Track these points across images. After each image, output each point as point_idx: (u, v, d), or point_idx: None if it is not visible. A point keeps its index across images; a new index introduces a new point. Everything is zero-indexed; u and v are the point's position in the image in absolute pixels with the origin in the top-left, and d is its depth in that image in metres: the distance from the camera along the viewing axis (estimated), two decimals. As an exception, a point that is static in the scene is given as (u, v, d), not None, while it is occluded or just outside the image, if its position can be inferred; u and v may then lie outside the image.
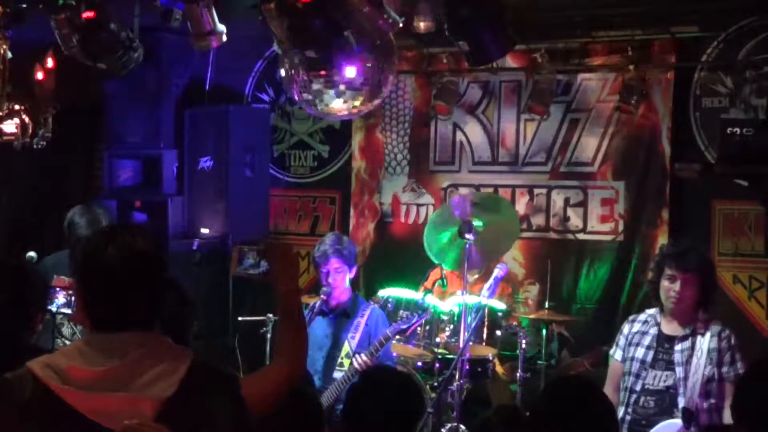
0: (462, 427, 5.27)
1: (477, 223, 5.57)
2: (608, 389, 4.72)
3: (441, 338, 5.61)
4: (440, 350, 5.64)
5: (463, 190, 7.16)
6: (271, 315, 5.57)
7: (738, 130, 5.26)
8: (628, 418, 4.58)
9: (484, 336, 5.67)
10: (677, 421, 4.40)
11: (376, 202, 7.50)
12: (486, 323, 5.66)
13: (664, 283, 4.54)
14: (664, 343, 4.56)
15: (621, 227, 6.71)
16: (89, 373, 2.11)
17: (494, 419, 3.88)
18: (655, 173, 6.57)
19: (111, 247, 2.23)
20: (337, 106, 5.47)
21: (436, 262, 5.74)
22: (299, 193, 7.81)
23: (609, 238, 6.75)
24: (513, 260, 6.90)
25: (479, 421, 5.26)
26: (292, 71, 5.23)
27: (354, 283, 5.66)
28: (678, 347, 4.50)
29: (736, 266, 6.36)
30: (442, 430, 5.35)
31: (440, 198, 7.28)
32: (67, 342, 4.78)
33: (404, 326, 5.31)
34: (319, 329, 5.45)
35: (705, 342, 4.44)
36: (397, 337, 5.44)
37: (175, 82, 7.22)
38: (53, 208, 6.98)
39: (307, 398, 3.15)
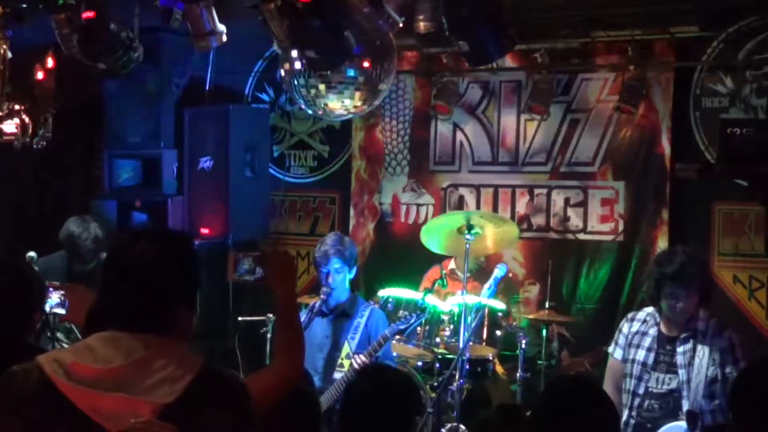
0: (462, 427, 5.27)
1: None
2: (607, 388, 4.70)
3: (441, 338, 5.60)
4: (440, 350, 5.64)
5: (463, 190, 7.17)
6: (271, 315, 5.56)
7: (738, 130, 5.26)
8: (632, 421, 4.56)
9: (484, 336, 5.67)
10: (682, 424, 4.39)
11: (376, 202, 7.50)
12: (486, 323, 5.66)
13: (668, 301, 4.47)
14: (665, 344, 4.54)
15: (621, 227, 6.71)
16: (93, 370, 2.11)
17: (495, 419, 3.87)
18: (655, 173, 6.58)
19: (133, 249, 2.24)
20: (337, 105, 5.48)
21: (429, 246, 5.81)
22: (299, 193, 7.81)
23: (609, 238, 6.75)
24: (513, 260, 6.90)
25: (480, 421, 5.27)
26: (292, 71, 5.23)
27: (354, 283, 5.66)
28: (680, 349, 4.48)
29: (736, 266, 6.37)
30: (442, 430, 5.35)
31: (440, 198, 7.29)
32: (63, 343, 4.77)
33: (402, 326, 5.31)
34: (318, 330, 5.44)
35: (707, 342, 4.42)
36: (397, 337, 5.44)
37: (175, 82, 7.22)
38: (53, 208, 7.00)
39: (305, 395, 3.15)
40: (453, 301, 5.62)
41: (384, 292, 5.76)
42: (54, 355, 2.17)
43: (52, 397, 2.09)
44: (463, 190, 7.22)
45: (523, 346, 5.64)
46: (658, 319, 4.59)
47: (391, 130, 7.48)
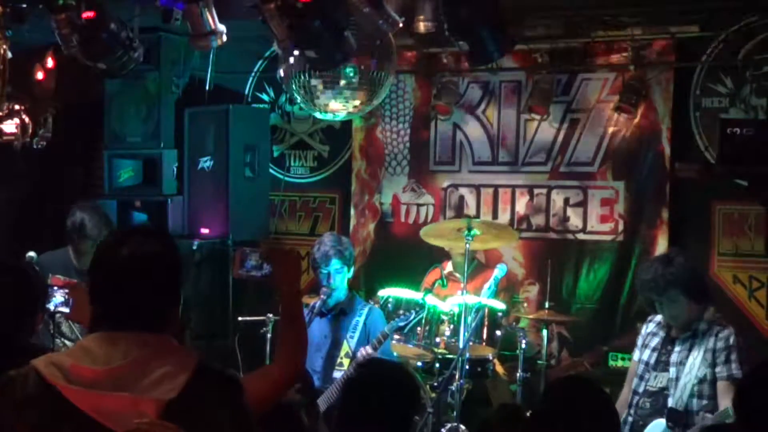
0: (462, 427, 5.27)
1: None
2: (625, 389, 4.73)
3: (441, 338, 5.60)
4: (440, 350, 5.64)
5: (463, 190, 7.18)
6: (271, 315, 5.57)
7: (738, 130, 5.27)
8: (629, 419, 4.57)
9: (484, 336, 5.67)
10: (663, 421, 4.40)
11: (377, 202, 7.50)
12: (486, 323, 5.66)
13: (659, 310, 4.53)
14: (668, 345, 4.55)
15: (621, 227, 6.71)
16: (92, 371, 2.11)
17: (495, 419, 3.87)
18: (655, 173, 6.57)
19: (124, 247, 2.24)
20: (337, 105, 5.48)
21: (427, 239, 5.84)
22: (299, 193, 7.81)
23: (609, 238, 6.75)
24: (513, 260, 6.90)
25: (480, 421, 5.27)
26: (292, 71, 5.24)
27: (354, 283, 5.67)
28: (677, 348, 4.49)
29: (736, 266, 6.36)
30: (442, 430, 5.35)
31: (440, 198, 7.28)
32: (67, 341, 4.78)
33: (402, 323, 5.32)
34: (317, 330, 5.45)
35: (704, 342, 4.43)
36: (397, 336, 5.44)
37: (175, 82, 7.22)
38: (53, 207, 6.98)
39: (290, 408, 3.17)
40: (453, 302, 5.62)
41: (384, 292, 5.76)
42: (50, 359, 2.16)
43: (52, 401, 2.09)
44: (463, 190, 7.22)
45: (523, 346, 5.64)
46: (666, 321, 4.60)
47: (391, 130, 7.47)
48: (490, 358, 5.80)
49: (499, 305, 5.76)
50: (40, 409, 2.10)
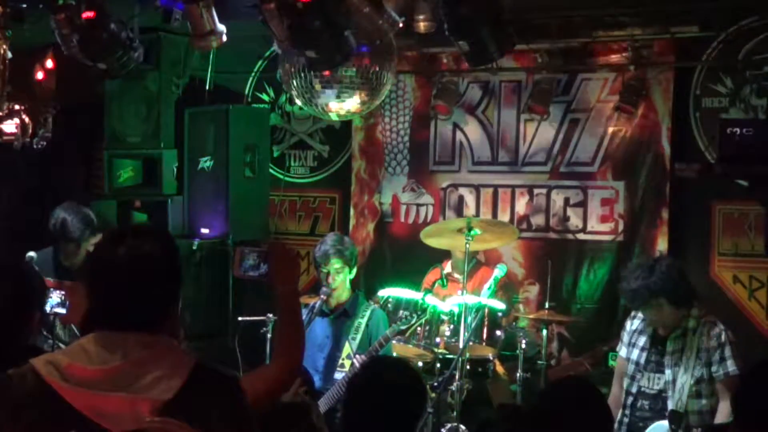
0: (462, 427, 5.27)
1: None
2: (615, 387, 4.73)
3: (441, 338, 5.60)
4: (440, 350, 5.64)
5: (463, 190, 7.18)
6: (271, 315, 5.56)
7: (738, 130, 5.26)
8: (626, 420, 4.57)
9: (484, 336, 5.66)
10: (665, 423, 4.40)
11: (376, 202, 7.50)
12: (486, 323, 5.66)
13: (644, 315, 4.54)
14: (658, 344, 4.55)
15: (621, 227, 6.71)
16: (89, 371, 2.11)
17: (495, 419, 3.87)
18: (655, 173, 6.58)
19: (121, 247, 2.23)
20: (337, 105, 5.48)
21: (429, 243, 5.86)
22: (299, 193, 7.81)
23: (609, 238, 6.75)
24: (513, 260, 6.90)
25: (481, 421, 5.27)
26: (292, 71, 5.23)
27: (354, 283, 5.66)
28: (669, 349, 4.48)
29: (736, 266, 6.37)
30: (442, 430, 5.35)
31: (440, 198, 7.29)
32: (61, 345, 4.77)
33: (403, 327, 5.31)
34: (319, 330, 5.44)
35: (695, 341, 4.42)
36: (397, 337, 5.44)
37: (175, 82, 7.22)
38: (53, 208, 6.97)
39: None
40: (453, 302, 5.62)
41: (384, 292, 5.76)
42: (48, 358, 2.16)
43: (49, 400, 2.09)
44: (462, 190, 7.22)
45: (523, 346, 5.64)
46: None
47: (391, 130, 7.47)
48: (490, 358, 5.79)
49: (499, 305, 5.76)
50: (37, 408, 2.10)
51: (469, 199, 7.19)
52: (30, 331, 3.14)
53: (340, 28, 4.76)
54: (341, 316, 5.47)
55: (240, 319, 6.07)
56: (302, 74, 5.39)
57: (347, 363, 5.32)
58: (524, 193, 7.03)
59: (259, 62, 7.75)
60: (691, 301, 4.49)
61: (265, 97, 7.85)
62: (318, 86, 5.41)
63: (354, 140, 7.58)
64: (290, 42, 4.94)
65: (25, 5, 5.60)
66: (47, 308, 4.43)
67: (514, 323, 6.05)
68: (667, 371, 4.44)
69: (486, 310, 5.61)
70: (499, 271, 5.75)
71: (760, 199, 5.87)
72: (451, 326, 5.57)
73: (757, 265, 6.29)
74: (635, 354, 4.58)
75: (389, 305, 5.62)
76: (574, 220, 6.86)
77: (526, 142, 7.03)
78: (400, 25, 4.97)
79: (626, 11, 6.35)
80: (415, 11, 5.41)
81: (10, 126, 6.46)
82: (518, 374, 5.65)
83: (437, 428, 5.36)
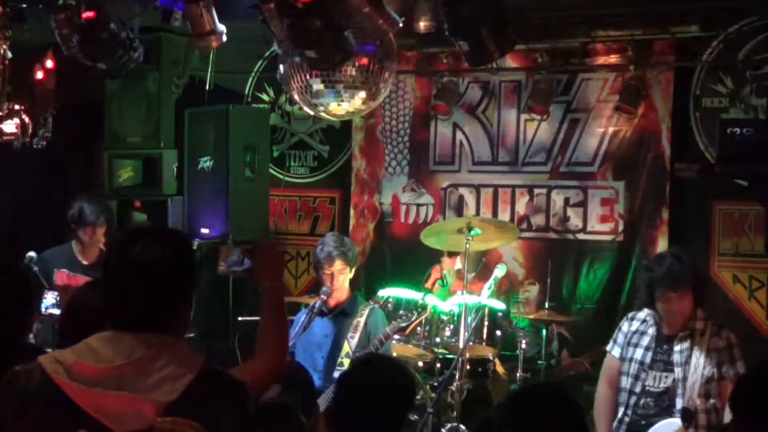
0: (462, 427, 5.27)
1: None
2: (602, 385, 4.73)
3: (441, 338, 5.61)
4: (440, 350, 5.64)
5: (463, 190, 7.18)
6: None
7: (738, 130, 5.27)
8: (626, 419, 4.57)
9: (484, 336, 5.67)
10: (676, 420, 4.40)
11: (376, 202, 7.50)
12: (486, 323, 5.66)
13: (661, 305, 4.50)
14: (663, 344, 4.54)
15: (621, 227, 6.71)
16: (95, 369, 2.12)
17: (495, 418, 3.86)
18: (655, 173, 6.58)
19: (135, 247, 2.24)
20: (337, 106, 5.47)
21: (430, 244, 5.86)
22: (299, 193, 7.81)
23: (609, 238, 6.75)
24: (513, 260, 6.90)
25: (480, 421, 5.26)
26: (292, 71, 5.23)
27: (354, 283, 5.66)
28: (677, 348, 4.49)
29: (736, 266, 6.37)
30: (442, 430, 5.35)
31: (440, 198, 7.29)
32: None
33: (403, 324, 5.31)
34: (318, 329, 5.44)
35: (704, 342, 4.43)
36: (397, 336, 5.44)
37: (175, 82, 7.22)
38: (53, 208, 6.98)
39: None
40: (453, 301, 5.62)
41: (384, 292, 5.77)
42: (55, 356, 2.17)
43: (54, 397, 2.09)
44: (462, 190, 7.22)
45: (523, 346, 5.64)
46: (657, 319, 4.59)
47: (391, 130, 7.47)
48: (490, 358, 5.80)
49: (499, 305, 5.77)
50: (42, 405, 2.11)
51: (469, 199, 7.19)
52: (27, 330, 3.15)
53: (340, 28, 4.75)
54: (340, 315, 5.47)
55: (240, 319, 6.08)
56: (302, 74, 5.39)
57: (346, 362, 5.32)
58: (524, 193, 7.03)
59: (259, 62, 7.75)
60: (704, 303, 4.52)
61: (265, 97, 7.85)
62: (318, 86, 5.41)
63: (354, 140, 7.58)
64: (290, 42, 4.94)
65: (25, 5, 5.60)
66: (42, 309, 4.45)
67: (514, 323, 6.05)
68: (677, 369, 4.44)
69: (486, 310, 5.61)
70: (498, 271, 5.75)
71: (760, 199, 5.87)
72: (451, 326, 5.57)
73: (757, 265, 6.29)
74: (639, 354, 4.58)
75: (389, 305, 5.62)
76: (574, 220, 6.86)
77: (526, 142, 7.03)
78: (400, 25, 4.96)
79: (626, 11, 6.35)
80: (415, 11, 5.40)
81: (10, 126, 6.45)
82: (518, 374, 5.66)
83: (437, 428, 5.36)
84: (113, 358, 2.13)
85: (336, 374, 5.34)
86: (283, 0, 4.74)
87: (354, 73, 5.02)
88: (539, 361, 5.90)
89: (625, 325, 4.72)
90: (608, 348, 4.78)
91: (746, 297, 6.34)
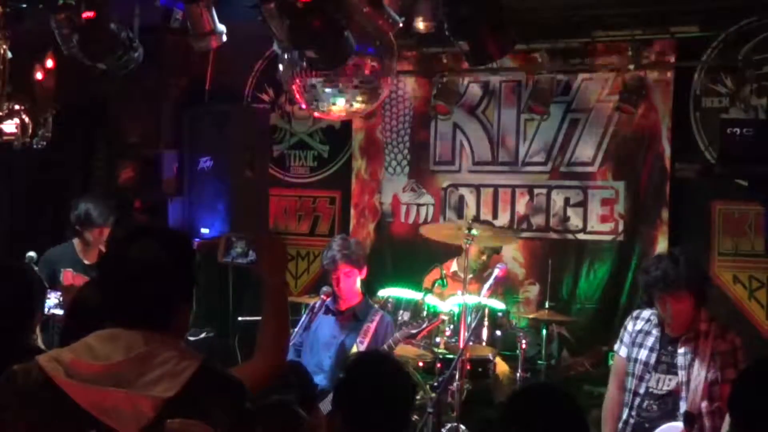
0: (462, 427, 5.27)
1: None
2: (611, 385, 4.71)
3: (441, 338, 5.60)
4: (440, 350, 5.64)
5: (463, 190, 7.18)
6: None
7: (738, 130, 5.27)
8: (631, 421, 4.55)
9: (484, 336, 5.66)
10: (678, 424, 4.38)
11: (377, 202, 7.50)
12: (486, 323, 5.66)
13: (659, 306, 4.49)
14: (667, 345, 4.52)
15: (621, 227, 6.71)
16: (93, 367, 2.12)
17: (496, 418, 3.85)
18: (655, 173, 6.58)
19: (134, 245, 2.25)
20: (337, 106, 5.47)
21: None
22: (299, 193, 7.81)
23: (609, 238, 6.75)
24: (513, 260, 6.90)
25: (480, 421, 5.26)
26: (292, 71, 5.23)
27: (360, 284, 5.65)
28: (681, 350, 4.47)
29: (736, 266, 6.37)
30: (442, 430, 5.35)
31: (440, 198, 7.29)
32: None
33: (414, 331, 5.29)
34: (326, 329, 5.43)
35: (708, 344, 4.41)
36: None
37: (175, 82, 7.22)
38: (53, 208, 6.99)
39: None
40: (453, 301, 5.62)
41: (384, 292, 5.76)
42: (53, 355, 2.18)
43: (53, 396, 2.10)
44: (463, 190, 7.22)
45: (523, 346, 5.63)
46: (660, 319, 4.58)
47: (391, 130, 7.48)
48: (490, 358, 5.79)
49: (499, 305, 5.76)
50: (41, 403, 2.11)
51: (470, 199, 7.19)
52: (30, 331, 3.15)
53: (340, 28, 4.76)
54: (350, 319, 5.45)
55: (240, 319, 6.08)
56: (302, 74, 5.39)
57: (355, 367, 5.31)
58: (524, 193, 7.03)
59: (259, 62, 7.75)
60: (706, 302, 4.50)
61: (265, 97, 7.85)
62: (318, 86, 5.41)
63: (354, 140, 7.58)
64: (290, 42, 4.94)
65: (25, 5, 5.60)
66: (45, 309, 4.45)
67: (514, 323, 6.05)
68: (681, 372, 4.42)
69: (486, 310, 5.61)
70: (498, 271, 5.75)
71: (760, 199, 5.87)
72: (451, 326, 5.57)
73: (757, 265, 6.29)
74: (643, 354, 4.56)
75: (389, 305, 5.62)
76: (574, 220, 6.86)
77: (526, 142, 7.03)
78: (400, 25, 4.96)
79: (626, 11, 6.35)
80: (415, 11, 5.40)
81: (10, 126, 6.45)
82: (518, 374, 5.65)
83: (437, 428, 5.36)
84: (111, 355, 2.13)
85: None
86: (283, 0, 4.74)
87: (354, 73, 5.02)
88: (539, 361, 5.90)
89: (630, 324, 4.71)
90: (615, 348, 4.77)
91: (746, 297, 6.34)
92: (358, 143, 7.57)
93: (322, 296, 5.42)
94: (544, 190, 6.97)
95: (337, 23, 4.73)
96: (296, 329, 5.27)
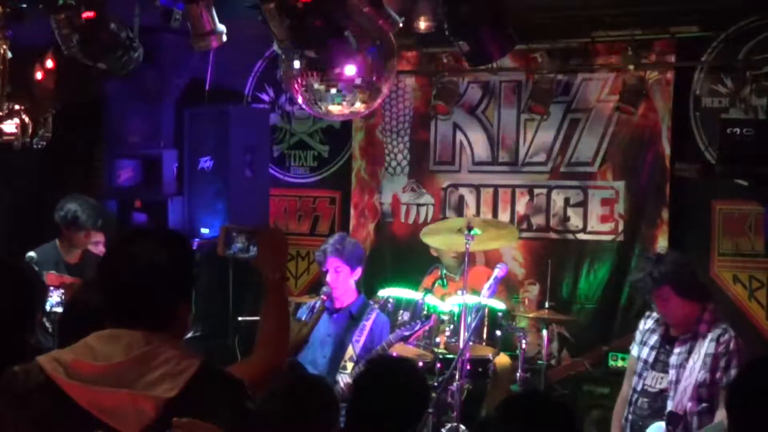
0: (462, 427, 5.27)
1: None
2: (624, 385, 4.74)
3: (441, 338, 5.60)
4: (440, 350, 5.63)
5: (463, 190, 7.18)
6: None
7: (738, 130, 5.26)
8: (630, 417, 4.58)
9: (484, 336, 5.66)
10: (663, 424, 4.39)
11: (377, 202, 7.50)
12: (486, 323, 5.66)
13: (655, 308, 4.53)
14: (666, 344, 4.54)
15: (621, 227, 6.71)
16: (93, 367, 2.12)
17: (496, 417, 3.85)
18: (655, 173, 6.58)
19: (132, 246, 2.26)
20: (337, 107, 5.48)
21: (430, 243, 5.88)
22: (299, 193, 7.81)
23: (609, 238, 6.75)
24: (513, 260, 6.90)
25: (480, 421, 5.26)
26: (292, 71, 5.23)
27: (356, 283, 5.65)
28: (676, 350, 4.48)
29: (736, 266, 6.36)
30: (442, 430, 5.35)
31: (440, 198, 7.28)
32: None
33: (407, 333, 5.30)
34: (322, 328, 5.44)
35: (704, 346, 4.41)
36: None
37: (175, 82, 7.22)
38: (53, 208, 6.98)
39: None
40: (453, 301, 5.61)
41: (384, 292, 5.76)
42: (54, 355, 2.18)
43: (53, 396, 2.10)
44: (463, 190, 7.22)
45: (523, 346, 5.63)
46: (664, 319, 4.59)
47: (391, 130, 7.47)
48: (490, 358, 5.79)
49: (499, 305, 5.76)
50: (41, 405, 2.12)
51: (470, 199, 7.19)
52: (31, 331, 3.15)
53: (340, 28, 4.76)
54: (345, 317, 5.46)
55: (240, 319, 6.08)
56: (302, 74, 5.39)
57: (350, 365, 5.32)
58: (524, 193, 7.03)
59: (259, 62, 7.75)
60: (702, 297, 4.49)
61: (265, 97, 7.85)
62: (318, 86, 5.41)
63: (354, 140, 7.57)
64: (290, 42, 4.94)
65: (25, 5, 5.59)
66: (47, 307, 4.45)
67: (514, 323, 6.04)
68: (671, 372, 4.43)
69: (486, 310, 5.60)
70: (499, 271, 5.74)
71: (760, 199, 5.87)
72: (451, 326, 5.57)
73: (757, 265, 6.29)
74: (645, 352, 4.58)
75: (389, 305, 5.61)
76: (575, 220, 6.86)
77: (526, 142, 7.03)
78: (400, 25, 4.96)
79: (626, 11, 6.35)
80: (415, 11, 5.41)
81: (10, 126, 6.45)
82: (518, 374, 5.65)
83: (437, 428, 5.36)
84: (112, 355, 2.14)
85: (338, 375, 5.34)
86: (283, 0, 4.75)
87: (354, 73, 5.02)
88: (539, 361, 5.89)
89: (641, 323, 4.72)
90: (631, 347, 4.77)
91: (746, 297, 6.34)
92: (358, 143, 7.57)
93: (322, 296, 5.42)
94: (544, 190, 6.97)
95: (337, 23, 4.73)
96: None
